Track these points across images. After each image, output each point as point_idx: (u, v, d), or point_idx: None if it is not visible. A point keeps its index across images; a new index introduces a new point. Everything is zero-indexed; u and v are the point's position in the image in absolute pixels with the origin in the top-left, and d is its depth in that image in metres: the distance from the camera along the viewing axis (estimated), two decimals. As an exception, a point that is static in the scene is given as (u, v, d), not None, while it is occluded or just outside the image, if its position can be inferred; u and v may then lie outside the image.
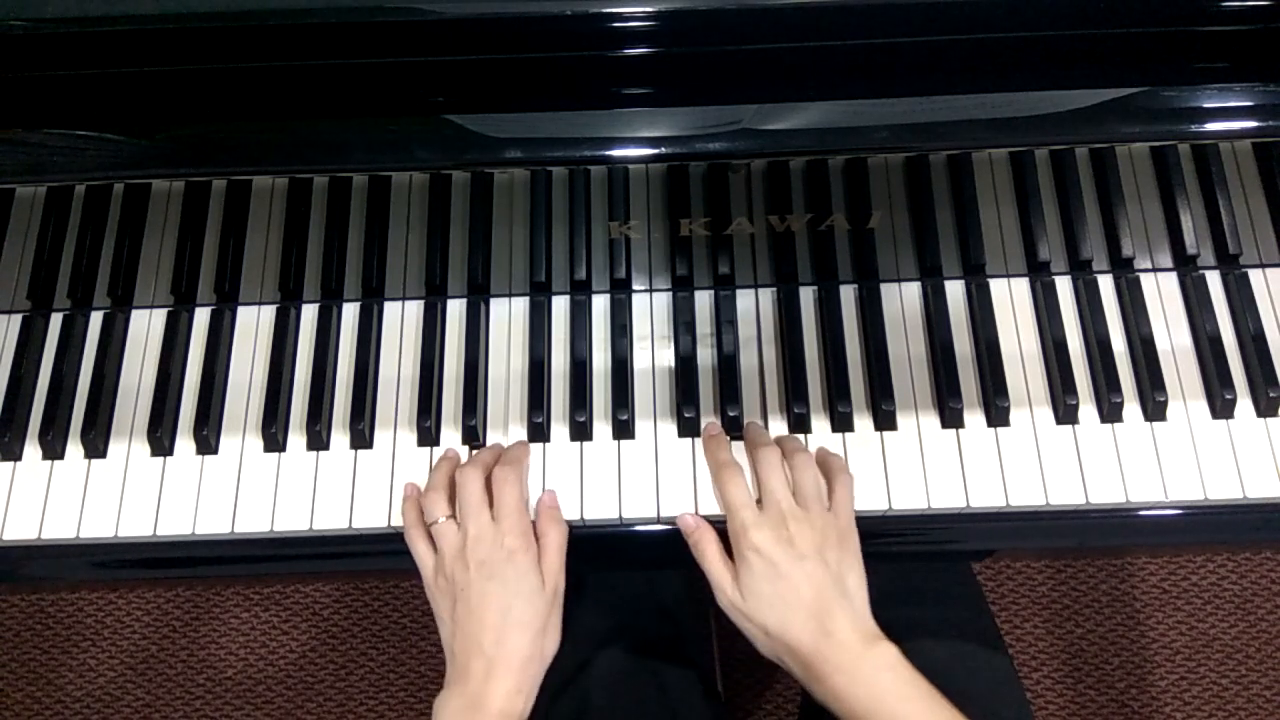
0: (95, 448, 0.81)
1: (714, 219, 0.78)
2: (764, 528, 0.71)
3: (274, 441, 0.81)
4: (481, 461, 0.76)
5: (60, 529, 0.79)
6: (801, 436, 0.80)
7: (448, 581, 0.72)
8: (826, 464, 0.77)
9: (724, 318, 0.84)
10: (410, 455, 0.81)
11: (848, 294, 0.85)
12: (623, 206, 0.78)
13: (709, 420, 0.81)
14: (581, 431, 0.81)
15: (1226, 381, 0.80)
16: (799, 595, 0.69)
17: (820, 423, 0.81)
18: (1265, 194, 0.80)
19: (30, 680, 1.51)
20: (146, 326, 0.86)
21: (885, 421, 0.80)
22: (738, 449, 0.79)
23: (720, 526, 0.75)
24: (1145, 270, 0.85)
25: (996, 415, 0.80)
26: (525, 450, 0.79)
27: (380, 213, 0.80)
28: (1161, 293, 0.85)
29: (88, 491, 0.80)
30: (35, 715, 1.50)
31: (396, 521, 0.78)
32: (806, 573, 0.69)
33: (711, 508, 0.77)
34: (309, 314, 0.85)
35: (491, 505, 0.74)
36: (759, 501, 0.73)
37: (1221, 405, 0.80)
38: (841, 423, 0.80)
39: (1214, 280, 0.85)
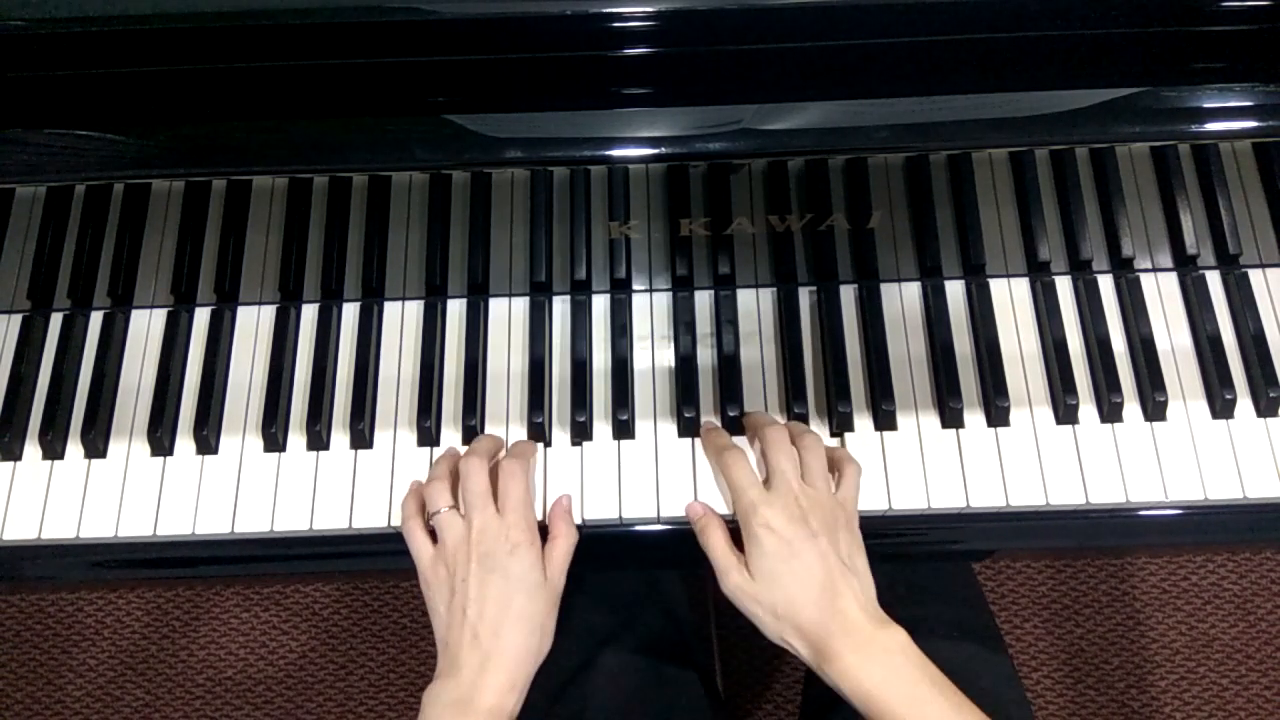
0: (95, 448, 0.81)
1: (714, 219, 0.78)
2: (775, 505, 0.71)
3: (274, 441, 0.81)
4: (484, 451, 0.76)
5: (60, 529, 0.79)
6: (801, 436, 0.80)
7: (448, 571, 0.71)
8: (833, 453, 0.77)
9: (724, 318, 0.84)
10: (410, 455, 0.81)
11: (848, 294, 0.85)
12: (623, 206, 0.78)
13: (707, 419, 0.81)
14: (581, 431, 0.81)
15: (1226, 381, 0.80)
16: (811, 573, 0.69)
17: (820, 423, 0.81)
18: (1265, 194, 0.80)
19: (30, 680, 1.51)
20: (146, 326, 0.86)
21: (885, 421, 0.80)
22: (738, 444, 0.79)
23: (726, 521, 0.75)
24: (1145, 270, 0.85)
25: (996, 415, 0.80)
26: (532, 445, 0.79)
27: (380, 213, 0.80)
28: (1161, 293, 0.85)
29: (88, 491, 0.80)
30: (35, 715, 1.50)
31: (397, 521, 0.78)
32: (820, 551, 0.69)
33: (712, 505, 0.77)
34: (309, 314, 0.85)
35: (496, 498, 0.73)
36: (765, 482, 0.73)
37: (1221, 405, 0.80)
38: (841, 423, 0.80)
39: (1214, 280, 0.85)
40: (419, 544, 0.74)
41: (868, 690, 0.66)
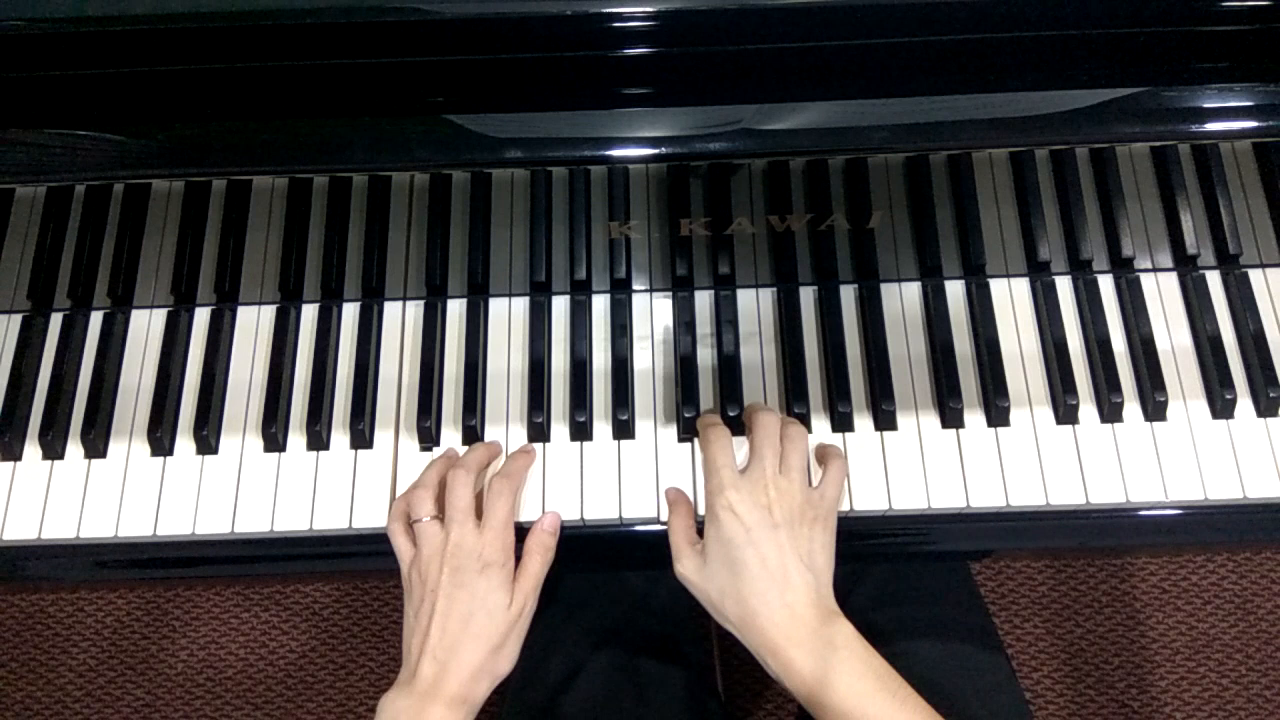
0: (95, 448, 0.81)
1: (714, 219, 0.78)
2: (743, 489, 0.71)
3: (274, 441, 0.81)
4: (475, 462, 0.76)
5: (60, 529, 0.79)
6: (801, 436, 0.80)
7: (420, 579, 0.72)
8: (824, 450, 0.77)
9: (724, 318, 0.84)
10: (410, 455, 0.81)
11: (848, 294, 0.85)
12: (623, 206, 0.78)
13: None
14: (581, 431, 0.80)
15: (1226, 381, 0.80)
16: (764, 564, 0.69)
17: (820, 423, 0.81)
18: (1265, 194, 0.80)
19: (29, 680, 1.51)
20: (146, 326, 0.86)
21: (885, 421, 0.80)
22: (738, 446, 0.78)
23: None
24: (1145, 270, 0.85)
25: (996, 415, 0.80)
26: (527, 462, 0.79)
27: (380, 213, 0.80)
28: (1161, 293, 0.85)
29: (88, 491, 0.80)
30: (35, 715, 1.50)
31: (396, 521, 0.78)
32: (777, 542, 0.69)
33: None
34: (309, 314, 0.85)
35: (479, 513, 0.74)
36: (745, 468, 0.73)
37: (1221, 405, 0.80)
38: (841, 423, 0.80)
39: (1214, 280, 0.85)
40: (400, 547, 0.75)
41: (810, 685, 0.66)
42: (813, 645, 0.67)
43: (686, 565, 0.72)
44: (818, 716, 0.67)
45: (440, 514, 0.74)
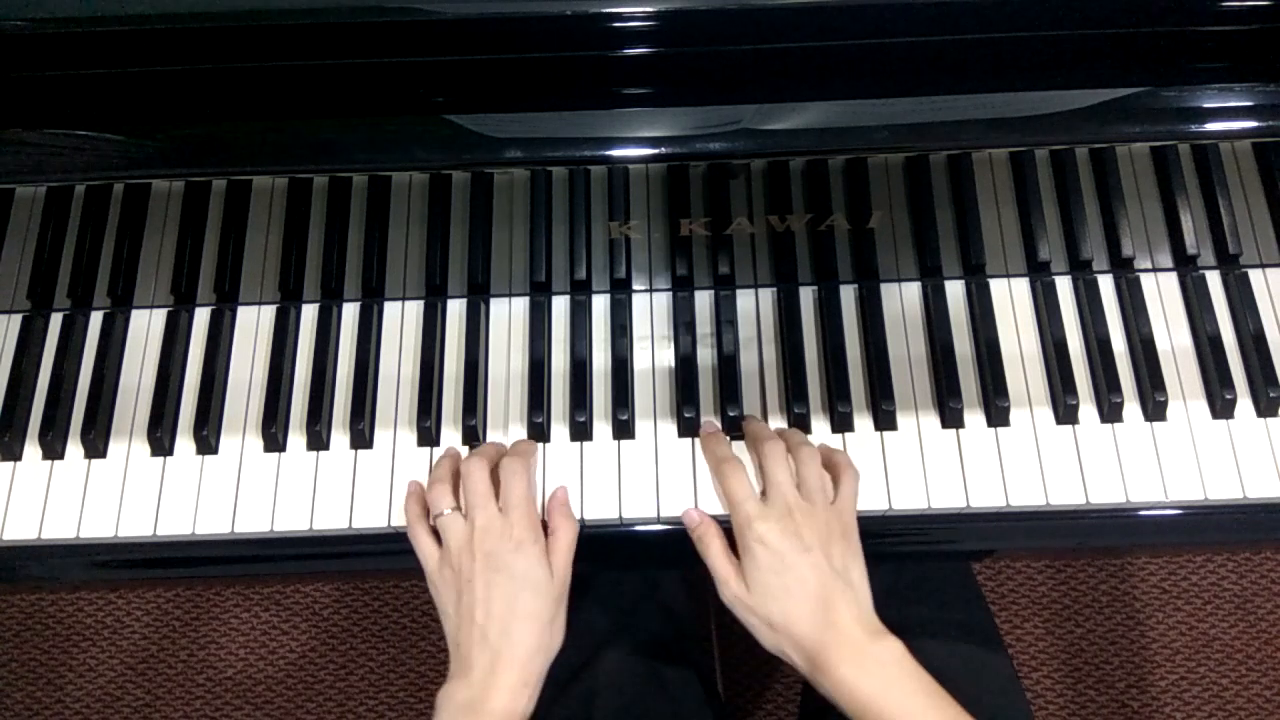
0: (95, 448, 0.81)
1: (714, 219, 0.78)
2: (769, 519, 0.71)
3: (274, 441, 0.81)
4: (486, 453, 0.76)
5: (60, 529, 0.79)
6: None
7: (453, 573, 0.71)
8: (831, 459, 0.77)
9: (724, 318, 0.84)
10: (410, 455, 0.81)
11: (848, 294, 0.85)
12: (623, 206, 0.78)
13: (706, 419, 0.81)
14: (581, 431, 0.81)
15: (1226, 381, 0.80)
16: (805, 587, 0.69)
17: (820, 423, 0.81)
18: (1265, 194, 0.80)
19: (30, 680, 1.51)
20: (146, 326, 0.86)
21: (885, 421, 0.80)
22: (738, 449, 0.79)
23: (723, 523, 0.75)
24: (1145, 270, 0.85)
25: (996, 415, 0.80)
26: (532, 447, 0.79)
27: (380, 213, 0.80)
28: (1161, 293, 0.85)
29: (88, 491, 0.80)
30: (35, 715, 1.50)
31: (397, 521, 0.78)
32: (812, 564, 0.69)
33: (711, 507, 0.77)
34: (309, 314, 0.85)
35: (498, 497, 0.73)
36: (762, 494, 0.73)
37: (1221, 405, 0.80)
38: (841, 423, 0.80)
39: (1214, 280, 0.85)
40: (425, 547, 0.74)
41: (862, 702, 0.67)
42: (864, 663, 0.67)
43: (735, 589, 0.72)
44: None
45: (459, 506, 0.74)
